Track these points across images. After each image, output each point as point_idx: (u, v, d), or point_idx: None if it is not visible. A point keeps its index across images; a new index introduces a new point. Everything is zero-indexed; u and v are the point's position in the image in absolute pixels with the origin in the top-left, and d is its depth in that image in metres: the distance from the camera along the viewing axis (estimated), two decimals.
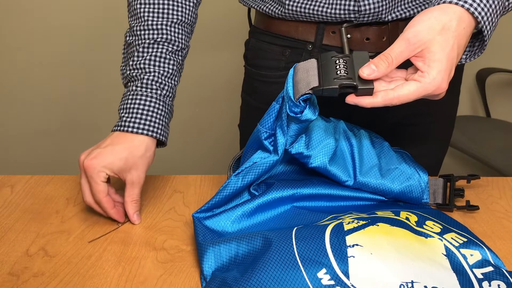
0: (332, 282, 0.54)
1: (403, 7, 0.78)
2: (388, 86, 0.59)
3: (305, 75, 0.60)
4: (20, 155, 2.10)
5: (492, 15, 0.59)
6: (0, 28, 1.90)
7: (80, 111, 2.03)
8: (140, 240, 0.68)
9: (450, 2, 0.58)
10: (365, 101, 0.58)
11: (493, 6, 0.59)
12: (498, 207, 0.77)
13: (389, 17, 0.78)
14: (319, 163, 0.70)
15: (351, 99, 0.59)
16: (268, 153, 0.67)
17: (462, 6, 0.57)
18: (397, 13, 0.78)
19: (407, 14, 0.78)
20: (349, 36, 0.79)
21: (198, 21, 0.83)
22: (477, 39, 0.63)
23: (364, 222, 0.62)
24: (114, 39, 1.93)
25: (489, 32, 0.60)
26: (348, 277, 0.54)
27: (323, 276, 0.54)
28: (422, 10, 0.77)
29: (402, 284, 0.54)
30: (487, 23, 0.59)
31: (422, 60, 0.57)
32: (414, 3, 0.78)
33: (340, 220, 0.63)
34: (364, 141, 0.74)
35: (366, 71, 0.57)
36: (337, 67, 0.59)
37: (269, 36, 0.86)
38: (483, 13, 0.58)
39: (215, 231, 0.65)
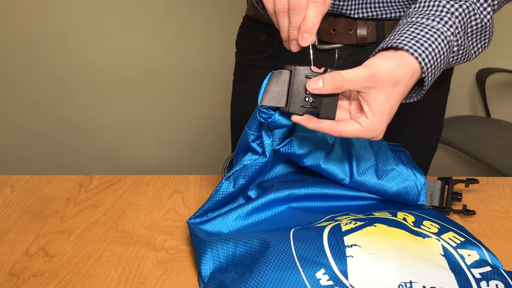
0: (331, 283, 0.54)
1: (368, 5, 0.79)
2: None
3: (275, 88, 0.61)
4: (20, 155, 2.11)
5: (436, 72, 0.64)
6: (0, 28, 1.90)
7: (80, 111, 2.03)
8: (140, 240, 0.68)
9: (412, 54, 0.61)
10: (310, 125, 0.61)
11: (439, 64, 0.64)
12: (498, 207, 0.77)
13: (357, 15, 0.79)
14: (312, 162, 0.71)
15: (297, 120, 0.61)
16: (257, 155, 0.67)
17: (419, 62, 0.61)
18: (365, 12, 0.79)
19: (374, 13, 0.79)
20: None
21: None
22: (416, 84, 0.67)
23: (361, 223, 0.62)
24: (114, 40, 1.93)
25: (429, 84, 0.64)
26: (346, 277, 0.54)
27: (322, 277, 0.54)
28: (389, 12, 0.79)
29: (400, 284, 0.54)
30: (430, 78, 0.64)
31: (368, 105, 0.60)
32: (380, 4, 0.79)
33: (338, 222, 0.63)
34: (362, 140, 0.74)
35: (312, 85, 0.59)
36: (307, 91, 0.60)
37: (253, 21, 0.90)
38: (430, 69, 0.63)
39: (211, 233, 0.65)
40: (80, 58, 1.95)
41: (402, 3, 0.79)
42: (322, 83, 0.59)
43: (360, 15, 0.79)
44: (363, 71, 0.59)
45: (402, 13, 0.80)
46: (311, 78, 0.60)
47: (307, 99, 0.60)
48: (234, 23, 1.02)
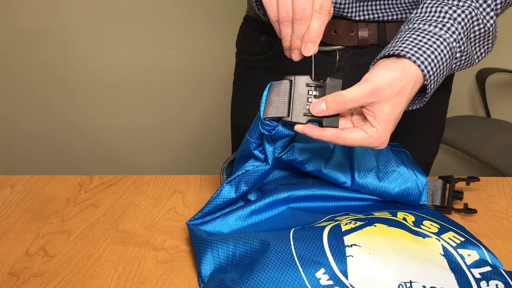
0: (331, 282, 0.54)
1: (369, 7, 0.79)
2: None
3: (276, 98, 0.61)
4: (20, 155, 2.11)
5: (438, 79, 0.64)
6: (1, 29, 1.90)
7: (80, 111, 2.03)
8: (140, 240, 0.68)
9: (414, 62, 0.60)
10: (314, 133, 0.60)
11: (442, 71, 0.63)
12: (498, 207, 0.77)
13: (358, 17, 0.79)
14: (314, 167, 0.70)
15: (300, 129, 0.60)
16: (260, 162, 0.67)
17: (422, 70, 0.61)
18: (366, 15, 0.79)
19: (376, 16, 0.79)
20: None
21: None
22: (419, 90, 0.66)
23: (361, 223, 0.62)
24: (114, 40, 1.93)
25: (431, 92, 0.64)
26: (346, 277, 0.54)
27: (322, 276, 0.54)
28: (390, 14, 0.79)
29: (400, 284, 0.54)
30: (433, 86, 0.63)
31: (373, 116, 0.60)
32: (381, 6, 0.79)
33: (338, 222, 0.63)
34: None
35: (315, 109, 0.59)
36: (309, 99, 0.60)
37: (254, 22, 0.90)
38: (433, 77, 0.62)
39: (211, 233, 0.65)
40: (80, 58, 1.95)
41: (404, 5, 0.78)
42: (325, 105, 0.59)
43: (361, 18, 0.79)
44: (365, 88, 0.58)
45: (404, 15, 0.79)
46: (311, 86, 0.60)
47: (308, 107, 0.60)
48: (234, 23, 1.02)
